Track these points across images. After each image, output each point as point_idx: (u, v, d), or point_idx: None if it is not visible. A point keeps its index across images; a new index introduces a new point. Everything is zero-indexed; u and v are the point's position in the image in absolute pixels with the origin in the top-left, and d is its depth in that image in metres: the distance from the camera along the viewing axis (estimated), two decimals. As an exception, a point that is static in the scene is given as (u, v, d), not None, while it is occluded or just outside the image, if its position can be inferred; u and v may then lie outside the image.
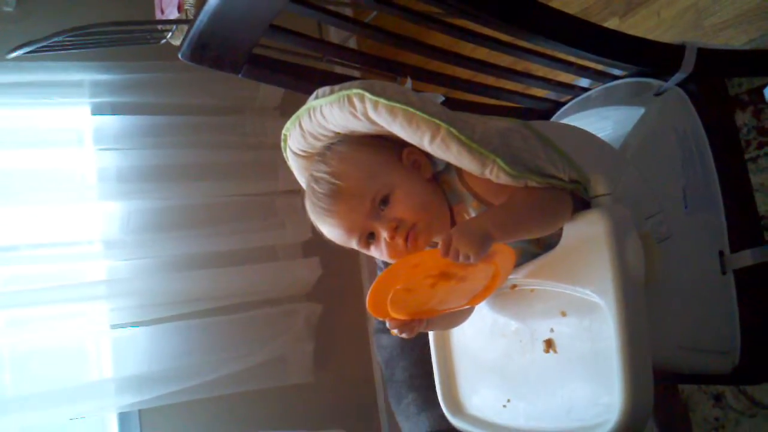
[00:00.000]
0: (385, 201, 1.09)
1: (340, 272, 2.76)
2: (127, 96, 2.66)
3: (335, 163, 1.11)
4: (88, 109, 2.67)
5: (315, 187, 1.12)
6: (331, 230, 1.13)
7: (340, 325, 2.80)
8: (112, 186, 2.57)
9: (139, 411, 2.47)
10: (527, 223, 1.07)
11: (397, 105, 1.03)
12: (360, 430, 2.82)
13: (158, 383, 2.40)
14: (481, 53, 1.44)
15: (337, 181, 1.09)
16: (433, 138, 1.04)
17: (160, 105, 2.69)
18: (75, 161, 2.62)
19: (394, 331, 1.10)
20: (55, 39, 1.88)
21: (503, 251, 1.07)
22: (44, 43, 1.91)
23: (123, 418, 2.48)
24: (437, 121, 1.03)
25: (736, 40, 1.73)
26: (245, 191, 2.75)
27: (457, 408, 1.31)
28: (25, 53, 1.97)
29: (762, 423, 1.66)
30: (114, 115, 2.65)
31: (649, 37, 1.92)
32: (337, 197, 1.09)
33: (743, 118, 1.71)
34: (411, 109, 1.03)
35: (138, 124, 2.66)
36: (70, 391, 2.34)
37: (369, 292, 1.04)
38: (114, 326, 2.47)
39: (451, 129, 1.03)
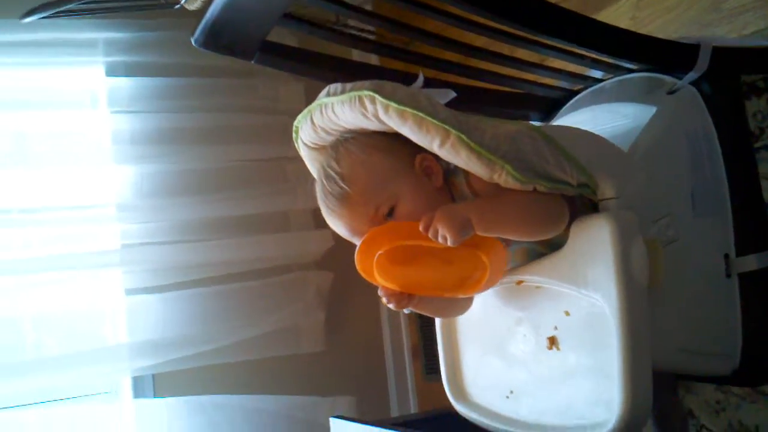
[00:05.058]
0: (390, 212, 1.10)
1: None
2: (142, 55, 2.64)
3: (346, 165, 1.11)
4: (102, 70, 2.65)
5: (325, 183, 1.13)
6: (335, 227, 1.16)
7: (351, 293, 2.82)
8: (126, 149, 2.58)
9: (153, 375, 2.52)
10: (512, 222, 1.08)
11: (408, 109, 1.04)
12: (369, 396, 2.85)
13: (172, 348, 2.44)
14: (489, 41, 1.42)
15: (346, 187, 1.10)
16: (442, 143, 1.04)
17: (174, 65, 2.67)
18: (89, 123, 2.62)
19: (384, 300, 1.13)
20: (70, 5, 1.88)
21: (495, 247, 1.09)
22: (59, 9, 1.90)
23: (137, 381, 2.53)
24: (447, 127, 1.03)
25: (754, 24, 1.70)
26: (257, 156, 2.75)
27: (462, 395, 1.34)
28: (39, 18, 1.96)
29: (762, 409, 1.68)
30: (128, 76, 2.64)
31: (667, 17, 1.91)
32: (344, 202, 1.10)
33: (758, 105, 1.68)
34: (421, 114, 1.03)
35: (152, 86, 2.65)
36: (86, 354, 2.39)
37: (356, 252, 1.07)
38: (128, 291, 2.51)
39: (461, 135, 1.03)
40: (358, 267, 1.09)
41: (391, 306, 1.13)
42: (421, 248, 1.06)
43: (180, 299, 2.53)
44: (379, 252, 1.07)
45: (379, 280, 1.10)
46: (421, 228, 1.01)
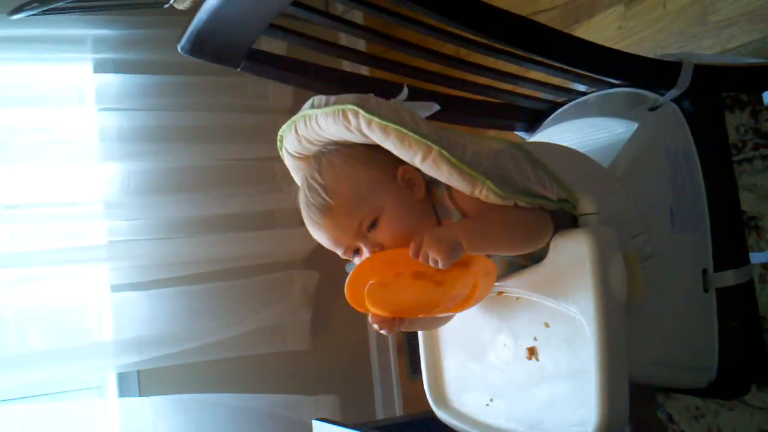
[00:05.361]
0: (373, 224, 1.10)
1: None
2: (130, 53, 2.65)
3: (329, 177, 1.12)
4: (90, 67, 2.66)
5: (308, 195, 1.14)
6: (318, 238, 1.16)
7: (337, 292, 2.81)
8: (114, 146, 2.58)
9: (138, 375, 2.53)
10: (498, 238, 1.10)
11: (390, 124, 1.05)
12: (353, 395, 2.87)
13: (157, 346, 2.45)
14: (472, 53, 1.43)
15: (329, 199, 1.10)
16: (424, 158, 1.05)
17: (162, 63, 2.67)
18: (76, 120, 2.62)
19: (375, 326, 1.13)
20: (59, 3, 1.87)
21: (484, 264, 1.10)
22: (48, 6, 1.90)
23: (122, 380, 2.54)
24: (429, 143, 1.04)
25: (738, 39, 1.72)
26: (245, 155, 2.75)
27: (443, 402, 1.35)
28: (27, 16, 1.96)
29: (740, 416, 1.71)
30: (116, 73, 2.64)
31: (654, 27, 1.92)
32: (327, 214, 1.11)
33: (741, 118, 1.71)
34: (403, 130, 1.05)
35: (140, 83, 2.66)
36: (70, 350, 2.40)
37: (346, 284, 1.08)
38: (114, 287, 2.51)
39: (443, 151, 1.04)
40: (348, 299, 1.09)
41: (383, 332, 1.14)
42: (410, 272, 1.07)
43: (165, 296, 2.54)
44: (370, 282, 1.07)
45: (370, 309, 1.10)
46: (411, 253, 1.02)
